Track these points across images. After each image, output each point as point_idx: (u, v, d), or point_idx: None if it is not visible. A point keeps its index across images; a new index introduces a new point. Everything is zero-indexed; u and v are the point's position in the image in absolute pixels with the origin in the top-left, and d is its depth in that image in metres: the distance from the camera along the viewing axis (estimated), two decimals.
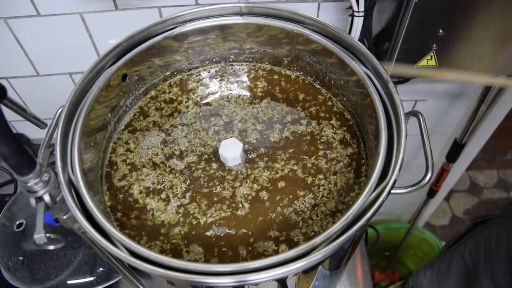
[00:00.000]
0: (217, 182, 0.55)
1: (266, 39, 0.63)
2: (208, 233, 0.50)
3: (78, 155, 0.47)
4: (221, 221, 0.51)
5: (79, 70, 0.92)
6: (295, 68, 0.66)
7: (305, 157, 0.57)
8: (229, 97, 0.65)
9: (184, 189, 0.54)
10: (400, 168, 0.44)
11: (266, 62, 0.68)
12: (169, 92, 0.65)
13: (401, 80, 0.91)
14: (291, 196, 0.53)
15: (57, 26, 0.81)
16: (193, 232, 0.50)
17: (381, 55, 0.76)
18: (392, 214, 1.59)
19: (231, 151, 0.55)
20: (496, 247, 0.78)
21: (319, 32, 0.58)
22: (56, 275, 0.76)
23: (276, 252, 0.49)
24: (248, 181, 0.55)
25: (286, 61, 0.66)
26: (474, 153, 1.23)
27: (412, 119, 0.54)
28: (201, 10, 0.59)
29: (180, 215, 0.52)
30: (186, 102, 0.64)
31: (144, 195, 0.54)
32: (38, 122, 0.49)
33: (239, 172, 0.56)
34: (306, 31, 0.58)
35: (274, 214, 0.52)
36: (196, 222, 0.51)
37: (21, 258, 0.77)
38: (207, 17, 0.60)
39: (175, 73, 0.66)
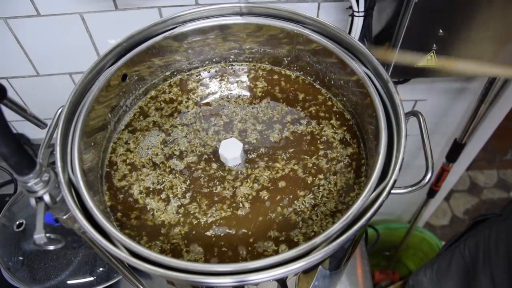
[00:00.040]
0: (217, 182, 0.55)
1: (266, 39, 0.63)
2: (208, 233, 0.50)
3: (78, 155, 0.47)
4: (221, 221, 0.51)
5: (79, 70, 0.92)
6: (295, 68, 0.66)
7: (305, 156, 0.57)
8: (229, 97, 0.65)
9: (184, 189, 0.54)
10: (400, 168, 0.44)
11: (266, 62, 0.68)
12: (169, 92, 0.65)
13: (401, 80, 0.91)
14: (291, 196, 0.53)
15: (57, 26, 0.81)
16: (193, 232, 0.50)
17: None
18: (392, 214, 1.59)
19: (231, 151, 0.55)
20: (496, 246, 0.78)
21: (319, 32, 0.58)
22: (56, 275, 0.76)
23: (276, 252, 0.49)
24: (248, 180, 0.55)
25: (286, 61, 0.66)
26: (474, 153, 1.23)
27: (412, 119, 0.54)
28: (201, 10, 0.59)
29: (180, 215, 0.52)
30: (186, 102, 0.64)
31: (144, 195, 0.54)
32: (38, 122, 0.49)
33: (239, 172, 0.56)
34: (306, 31, 0.58)
35: (274, 214, 0.52)
36: (196, 222, 0.51)
37: (21, 258, 0.77)
38: (207, 17, 0.60)
39: (175, 73, 0.66)
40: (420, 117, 0.52)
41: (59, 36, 0.84)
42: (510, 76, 0.71)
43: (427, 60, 0.73)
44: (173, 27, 0.59)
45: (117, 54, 0.56)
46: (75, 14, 0.79)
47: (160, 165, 0.57)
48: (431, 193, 1.26)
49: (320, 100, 0.64)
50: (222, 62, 0.68)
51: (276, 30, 0.60)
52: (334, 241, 0.39)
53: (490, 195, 2.09)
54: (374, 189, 0.43)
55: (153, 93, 0.65)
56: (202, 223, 0.51)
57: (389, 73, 0.68)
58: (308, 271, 0.46)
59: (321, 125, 0.60)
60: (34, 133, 1.10)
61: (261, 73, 0.68)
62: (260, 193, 0.53)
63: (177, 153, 0.58)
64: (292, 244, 0.49)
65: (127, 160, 0.57)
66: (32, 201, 0.37)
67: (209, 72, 0.68)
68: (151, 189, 0.54)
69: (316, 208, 0.52)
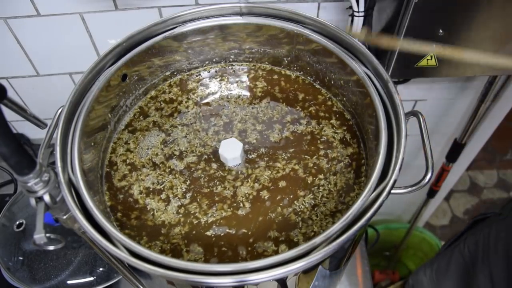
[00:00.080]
0: (217, 182, 0.55)
1: (266, 39, 0.63)
2: (208, 233, 0.50)
3: (78, 155, 0.47)
4: (221, 221, 0.51)
5: (79, 70, 0.92)
6: (295, 68, 0.66)
7: (306, 156, 0.57)
8: (229, 97, 0.65)
9: (184, 189, 0.54)
10: (400, 168, 0.44)
11: (266, 62, 0.68)
12: (169, 92, 0.65)
13: (401, 80, 0.91)
14: (291, 196, 0.53)
15: (57, 26, 0.81)
16: (194, 232, 0.50)
17: (381, 55, 0.76)
18: (392, 214, 1.59)
19: (231, 151, 0.55)
20: (495, 245, 0.78)
21: (319, 32, 0.58)
22: (56, 275, 0.76)
23: (276, 253, 0.49)
24: (249, 180, 0.55)
25: (286, 61, 0.66)
26: (474, 153, 1.23)
27: (412, 119, 0.54)
28: (201, 10, 0.59)
29: (180, 215, 0.52)
30: (186, 102, 0.64)
31: (144, 195, 0.54)
32: (38, 122, 0.49)
33: (239, 172, 0.56)
34: (306, 31, 0.58)
35: (274, 214, 0.52)
36: (196, 221, 0.51)
37: (21, 258, 0.77)
38: (207, 17, 0.60)
39: (175, 73, 0.66)
40: (420, 117, 0.52)
41: (59, 36, 0.84)
42: None
43: (427, 60, 0.73)
44: (173, 27, 0.59)
45: (117, 54, 0.56)
46: (75, 14, 0.79)
47: (160, 165, 0.57)
48: (431, 193, 1.26)
49: (320, 100, 0.64)
50: (222, 62, 0.68)
51: (276, 30, 0.60)
52: (334, 241, 0.39)
53: (490, 195, 2.09)
54: (374, 189, 0.43)
55: (153, 93, 0.65)
56: (203, 223, 0.51)
57: (389, 73, 0.68)
58: (308, 271, 0.46)
59: (321, 125, 0.60)
60: (34, 133, 1.10)
61: (261, 73, 0.68)
62: (261, 192, 0.53)
63: (177, 153, 0.58)
64: (292, 244, 0.49)
65: (127, 160, 0.57)
66: (32, 201, 0.37)
67: (209, 72, 0.68)
68: (151, 189, 0.54)
69: (316, 208, 0.52)
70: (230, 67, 0.68)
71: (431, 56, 0.72)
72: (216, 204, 0.53)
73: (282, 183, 0.54)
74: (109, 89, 0.55)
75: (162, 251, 0.49)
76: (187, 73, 0.67)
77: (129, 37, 0.56)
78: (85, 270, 0.77)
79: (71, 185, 0.44)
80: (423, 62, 0.74)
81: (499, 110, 1.04)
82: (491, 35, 0.69)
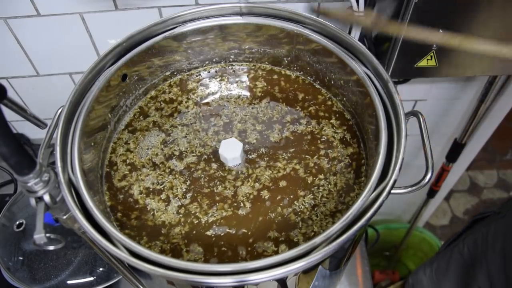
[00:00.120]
0: (217, 182, 0.55)
1: (266, 39, 0.63)
2: (208, 233, 0.50)
3: (78, 155, 0.47)
4: (221, 221, 0.51)
5: (79, 70, 0.92)
6: (295, 68, 0.66)
7: (307, 156, 0.57)
8: (229, 97, 0.65)
9: (184, 189, 0.54)
10: (400, 168, 0.44)
11: (266, 62, 0.68)
12: (169, 92, 0.65)
13: (401, 80, 0.91)
14: (291, 196, 0.53)
15: (57, 26, 0.81)
16: (194, 232, 0.50)
17: (381, 55, 0.76)
18: (392, 214, 1.59)
19: (231, 151, 0.55)
20: (493, 244, 0.78)
21: (319, 32, 0.58)
22: (56, 275, 0.76)
23: (276, 253, 0.49)
24: (250, 180, 0.55)
25: (286, 61, 0.66)
26: (474, 153, 1.23)
27: (412, 119, 0.54)
28: (201, 10, 0.59)
29: (180, 215, 0.52)
30: (186, 102, 0.64)
31: (144, 195, 0.54)
32: (38, 122, 0.49)
33: (239, 172, 0.56)
34: (306, 31, 0.58)
35: (274, 214, 0.52)
36: (197, 221, 0.51)
37: (21, 258, 0.77)
38: (207, 17, 0.60)
39: (175, 73, 0.66)
40: (420, 117, 0.52)
41: (59, 36, 0.83)
42: None
43: (427, 60, 0.73)
44: (173, 27, 0.59)
45: (117, 54, 0.56)
46: (75, 14, 0.79)
47: (160, 165, 0.57)
48: (431, 193, 1.26)
49: (320, 100, 0.64)
50: (222, 62, 0.68)
51: (276, 30, 0.60)
52: (334, 241, 0.39)
53: (490, 195, 2.09)
54: (374, 189, 0.43)
55: (153, 93, 0.65)
56: (203, 222, 0.51)
57: (389, 73, 0.68)
58: (308, 271, 0.46)
59: (321, 125, 0.60)
60: (34, 133, 1.10)
61: (260, 73, 0.68)
62: (261, 192, 0.53)
63: (177, 153, 0.58)
64: (292, 244, 0.49)
65: (127, 160, 0.57)
66: (32, 201, 0.37)
67: (209, 72, 0.68)
68: (151, 189, 0.54)
69: (316, 209, 0.52)
70: (230, 67, 0.68)
71: (431, 56, 0.72)
72: (217, 204, 0.53)
73: (283, 183, 0.54)
74: (109, 89, 0.55)
75: (162, 251, 0.49)
76: (187, 73, 0.67)
77: (129, 37, 0.56)
78: (85, 270, 0.77)
79: (71, 185, 0.44)
80: (423, 62, 0.73)
81: (499, 110, 1.04)
82: (491, 35, 0.69)
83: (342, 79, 0.59)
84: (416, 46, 0.71)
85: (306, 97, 0.64)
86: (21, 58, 0.87)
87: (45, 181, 0.36)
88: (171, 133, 0.60)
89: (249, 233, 0.50)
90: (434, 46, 0.71)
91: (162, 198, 0.54)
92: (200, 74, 0.67)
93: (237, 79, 0.67)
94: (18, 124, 1.08)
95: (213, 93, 0.66)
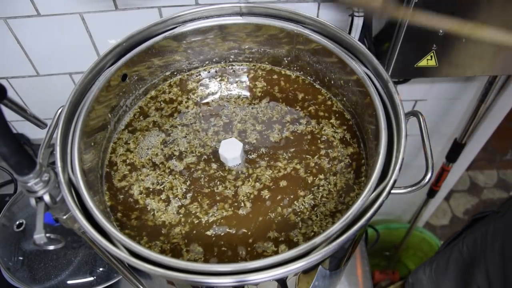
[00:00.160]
0: (218, 182, 0.55)
1: (266, 39, 0.63)
2: (208, 233, 0.50)
3: (78, 155, 0.47)
4: (222, 220, 0.51)
5: (79, 70, 0.92)
6: (295, 68, 0.66)
7: (307, 156, 0.57)
8: (229, 97, 0.65)
9: (184, 190, 0.54)
10: (400, 168, 0.44)
11: (266, 62, 0.68)
12: (169, 92, 0.65)
13: (401, 80, 0.91)
14: (292, 196, 0.53)
15: (57, 26, 0.81)
16: (194, 232, 0.50)
17: (381, 55, 0.76)
18: (392, 214, 1.59)
19: (231, 151, 0.55)
20: (491, 243, 0.78)
21: (319, 32, 0.58)
22: (56, 275, 0.76)
23: (276, 253, 0.49)
24: (250, 179, 0.55)
25: (286, 61, 0.66)
26: (474, 153, 1.23)
27: (412, 119, 0.54)
28: (201, 10, 0.59)
29: (181, 215, 0.52)
30: (186, 102, 0.64)
31: (144, 195, 0.54)
32: (38, 122, 0.49)
33: (239, 172, 0.56)
34: (306, 31, 0.58)
35: (274, 214, 0.52)
36: (197, 221, 0.51)
37: (21, 258, 0.77)
38: (207, 17, 0.60)
39: (175, 73, 0.66)
40: (420, 117, 0.52)
41: (59, 36, 0.83)
42: None
43: (427, 60, 0.73)
44: (173, 27, 0.59)
45: (117, 54, 0.56)
46: (75, 14, 0.79)
47: (160, 165, 0.57)
48: (431, 193, 1.26)
49: (320, 100, 0.64)
50: (222, 62, 0.68)
51: (276, 30, 0.60)
52: (334, 241, 0.39)
53: (490, 195, 2.09)
54: (374, 189, 0.43)
55: (153, 93, 0.65)
56: (203, 222, 0.51)
57: (389, 73, 0.68)
58: (308, 271, 0.46)
59: (321, 124, 0.60)
60: (34, 133, 1.10)
61: (260, 73, 0.68)
62: (262, 192, 0.53)
63: (176, 153, 0.58)
64: (291, 244, 0.49)
65: (127, 160, 0.57)
66: (32, 201, 0.37)
67: (209, 72, 0.68)
68: (151, 189, 0.54)
69: (315, 209, 0.52)
70: (230, 67, 0.68)
71: (431, 56, 0.72)
72: (218, 204, 0.53)
73: (283, 183, 0.54)
74: (109, 89, 0.55)
75: (162, 251, 0.49)
76: (187, 73, 0.67)
77: (129, 37, 0.56)
78: (85, 270, 0.77)
79: (71, 185, 0.44)
80: (423, 62, 0.74)
81: (499, 110, 1.04)
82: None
83: (342, 79, 0.59)
84: (416, 46, 0.71)
85: (306, 97, 0.64)
86: (21, 58, 0.87)
87: (45, 181, 0.36)
88: (171, 133, 0.60)
89: (249, 233, 0.50)
90: (434, 46, 0.71)
91: (162, 198, 0.54)
92: (200, 74, 0.67)
93: (237, 79, 0.67)
94: (18, 124, 1.08)
95: (213, 93, 0.66)
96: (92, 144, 0.53)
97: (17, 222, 0.80)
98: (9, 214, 0.83)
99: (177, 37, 0.60)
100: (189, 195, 0.54)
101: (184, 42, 0.61)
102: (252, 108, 0.63)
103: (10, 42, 0.84)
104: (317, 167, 0.56)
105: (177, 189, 0.54)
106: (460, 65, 0.75)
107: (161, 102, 0.64)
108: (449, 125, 1.14)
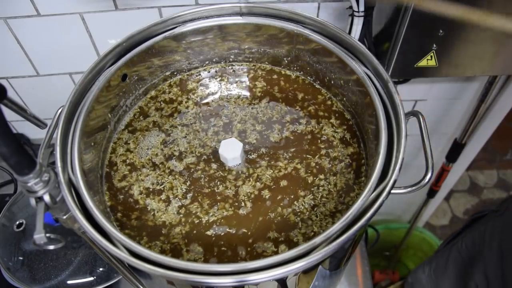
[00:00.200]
0: (218, 182, 0.55)
1: (266, 38, 0.63)
2: (208, 233, 0.50)
3: (78, 155, 0.47)
4: (222, 220, 0.51)
5: (79, 70, 0.92)
6: (295, 68, 0.66)
7: (308, 156, 0.57)
8: (229, 97, 0.65)
9: (184, 190, 0.54)
10: (400, 168, 0.44)
11: (266, 62, 0.68)
12: (169, 92, 0.65)
13: (401, 80, 0.91)
14: (292, 196, 0.53)
15: (57, 26, 0.81)
16: (194, 231, 0.50)
17: (381, 55, 0.76)
18: (392, 214, 1.59)
19: (231, 151, 0.55)
20: (490, 242, 0.78)
21: (319, 32, 0.58)
22: (56, 275, 0.76)
23: (276, 253, 0.49)
24: (251, 179, 0.55)
25: (286, 61, 0.66)
26: (474, 153, 1.23)
27: (412, 119, 0.54)
28: (201, 10, 0.59)
29: (181, 215, 0.52)
30: (186, 102, 0.64)
31: (144, 196, 0.54)
32: (38, 122, 0.49)
33: (239, 172, 0.56)
34: (306, 31, 0.58)
35: (273, 214, 0.52)
36: (198, 221, 0.51)
37: (21, 258, 0.77)
38: (207, 17, 0.60)
39: (175, 73, 0.66)
40: (420, 117, 0.52)
41: (59, 36, 0.84)
42: None
43: (427, 60, 0.73)
44: (173, 27, 0.59)
45: (117, 54, 0.56)
46: (75, 14, 0.79)
47: (160, 165, 0.57)
48: (431, 193, 1.26)
49: (320, 100, 0.64)
50: (222, 62, 0.68)
51: (276, 30, 0.60)
52: (334, 241, 0.39)
53: (490, 195, 2.09)
54: (374, 189, 0.43)
55: (153, 93, 0.65)
56: (204, 222, 0.51)
57: (389, 73, 0.68)
58: (308, 271, 0.46)
59: (321, 124, 0.60)
60: (34, 133, 1.10)
61: (260, 73, 0.68)
62: (262, 192, 0.54)
63: (176, 153, 0.58)
64: (291, 244, 0.49)
65: (127, 160, 0.57)
66: (32, 201, 0.37)
67: (209, 72, 0.68)
68: (151, 189, 0.54)
69: (315, 209, 0.52)
70: (230, 67, 0.68)
71: (431, 56, 0.72)
72: (218, 203, 0.53)
73: (284, 182, 0.54)
74: (109, 89, 0.55)
75: (162, 251, 0.49)
76: (187, 73, 0.67)
77: (129, 37, 0.56)
78: (85, 270, 0.77)
79: (71, 185, 0.44)
80: (423, 62, 0.74)
81: (499, 110, 1.04)
82: (491, 35, 0.69)
83: (342, 79, 0.59)
84: (416, 46, 0.71)
85: (306, 97, 0.64)
86: (21, 58, 0.87)
87: (45, 181, 0.36)
88: (171, 133, 0.60)
89: (249, 233, 0.50)
90: (434, 46, 0.71)
91: (162, 198, 0.54)
92: (200, 74, 0.67)
93: (237, 79, 0.67)
94: (18, 124, 1.08)
95: (213, 93, 0.66)
96: (92, 144, 0.53)
97: (17, 222, 0.81)
98: (9, 214, 0.83)
99: (177, 37, 0.60)
100: (189, 195, 0.54)
101: (184, 42, 0.61)
102: (252, 108, 0.63)
103: (10, 42, 0.84)
104: (317, 167, 0.56)
105: (177, 189, 0.54)
106: (460, 65, 0.75)
107: (161, 102, 0.64)
108: (449, 125, 1.15)
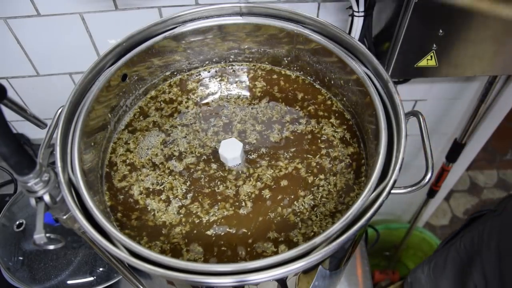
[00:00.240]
0: (218, 182, 0.55)
1: (266, 38, 0.63)
2: (208, 232, 0.50)
3: (78, 155, 0.47)
4: (222, 220, 0.51)
5: (79, 70, 0.92)
6: (295, 68, 0.66)
7: (308, 155, 0.57)
8: (229, 97, 0.65)
9: (184, 190, 0.54)
10: (400, 168, 0.44)
11: (266, 62, 0.68)
12: (169, 92, 0.65)
13: (401, 80, 0.91)
14: (292, 196, 0.53)
15: (57, 26, 0.81)
16: (195, 231, 0.50)
17: (381, 55, 0.76)
18: (392, 214, 1.59)
19: (231, 151, 0.55)
20: (488, 242, 0.78)
21: (319, 32, 0.58)
22: (56, 275, 0.76)
23: (275, 253, 0.49)
24: (251, 179, 0.55)
25: (286, 61, 0.66)
26: (474, 153, 1.23)
27: (412, 119, 0.54)
28: (201, 10, 0.59)
29: (181, 215, 0.52)
30: (186, 102, 0.64)
31: (145, 196, 0.54)
32: (38, 122, 0.49)
33: (240, 172, 0.56)
34: (306, 31, 0.58)
35: (273, 214, 0.52)
36: (198, 221, 0.51)
37: (21, 258, 0.77)
38: (207, 17, 0.60)
39: (175, 73, 0.66)
40: (420, 117, 0.52)
41: (59, 36, 0.84)
42: None
43: (427, 60, 0.73)
44: (173, 27, 0.59)
45: (117, 54, 0.56)
46: (75, 14, 0.79)
47: (160, 165, 0.57)
48: (431, 193, 1.26)
49: (320, 100, 0.64)
50: (222, 62, 0.68)
51: (276, 30, 0.60)
52: (334, 241, 0.39)
53: (490, 195, 2.09)
54: (374, 189, 0.43)
55: (153, 93, 0.65)
56: (204, 222, 0.51)
57: (389, 73, 0.68)
58: (308, 271, 0.46)
59: (321, 124, 0.60)
60: (34, 133, 1.10)
61: (260, 73, 0.68)
62: (263, 191, 0.54)
63: (176, 154, 0.58)
64: (291, 244, 0.49)
65: (127, 160, 0.57)
66: (32, 201, 0.37)
67: (209, 72, 0.68)
68: (151, 189, 0.54)
69: (315, 209, 0.52)
70: (230, 67, 0.68)
71: (431, 56, 0.72)
72: (219, 203, 0.53)
73: (284, 182, 0.54)
74: (109, 89, 0.55)
75: (162, 251, 0.49)
76: (187, 73, 0.67)
77: (129, 37, 0.56)
78: (85, 270, 0.77)
79: (71, 185, 0.44)
80: (423, 62, 0.74)
81: (499, 110, 1.04)
82: (491, 35, 0.69)
83: (342, 79, 0.59)
84: (416, 46, 0.71)
85: (306, 97, 0.64)
86: (21, 58, 0.87)
87: (45, 181, 0.36)
88: (171, 133, 0.60)
89: (249, 233, 0.50)
90: (434, 46, 0.71)
91: (163, 198, 0.54)
92: (200, 74, 0.67)
93: (236, 79, 0.67)
94: (18, 124, 1.08)
95: (213, 93, 0.66)
96: (92, 144, 0.53)
97: (17, 222, 0.81)
98: (9, 214, 0.83)
99: (177, 37, 0.60)
100: (189, 195, 0.54)
101: (184, 42, 0.61)
102: (252, 108, 0.63)
103: (10, 42, 0.84)
104: (318, 166, 0.56)
105: (177, 189, 0.54)
106: (460, 65, 0.75)
107: (161, 102, 0.64)
108: (449, 125, 1.14)
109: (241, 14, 0.60)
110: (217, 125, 0.61)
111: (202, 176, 0.55)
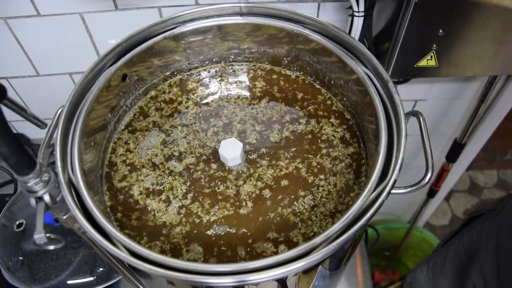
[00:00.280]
0: (218, 182, 0.55)
1: (266, 38, 0.63)
2: (208, 232, 0.50)
3: (78, 155, 0.47)
4: (222, 220, 0.51)
5: (79, 70, 0.92)
6: (295, 68, 0.66)
7: (309, 155, 0.57)
8: (229, 97, 0.65)
9: (184, 190, 0.54)
10: (400, 168, 0.44)
11: (266, 62, 0.68)
12: (169, 92, 0.65)
13: (401, 80, 0.91)
14: (292, 196, 0.53)
15: (57, 26, 0.81)
16: (195, 231, 0.50)
17: (381, 55, 0.76)
18: (392, 214, 1.59)
19: (231, 151, 0.55)
20: (486, 241, 0.78)
21: (319, 32, 0.58)
22: (56, 275, 0.76)
23: (275, 253, 0.49)
24: (252, 179, 0.55)
25: (286, 61, 0.66)
26: (474, 153, 1.23)
27: (412, 119, 0.54)
28: (201, 10, 0.59)
29: (181, 215, 0.52)
30: (186, 102, 0.64)
31: (145, 196, 0.54)
32: (38, 122, 0.49)
33: (240, 172, 0.56)
34: (306, 31, 0.58)
35: (273, 214, 0.52)
36: (198, 220, 0.51)
37: (21, 258, 0.77)
38: (207, 17, 0.60)
39: (175, 73, 0.66)
40: (420, 117, 0.52)
41: (59, 36, 0.84)
42: None
43: (427, 60, 0.73)
44: (173, 27, 0.59)
45: (117, 54, 0.56)
46: (75, 14, 0.79)
47: (160, 166, 0.57)
48: (431, 193, 1.26)
49: (320, 100, 0.64)
50: (222, 62, 0.68)
51: (276, 30, 0.60)
52: (334, 241, 0.39)
53: (490, 195, 2.09)
54: (374, 189, 0.43)
55: (153, 93, 0.65)
56: (204, 221, 0.51)
57: (389, 73, 0.68)
58: (308, 271, 0.46)
59: (321, 124, 0.60)
60: (34, 133, 1.10)
61: (260, 73, 0.68)
62: (263, 191, 0.54)
63: (176, 154, 0.58)
64: (291, 245, 0.49)
65: (127, 160, 0.57)
66: (32, 201, 0.37)
67: (209, 72, 0.68)
68: (151, 190, 0.54)
69: (315, 209, 0.52)
70: (230, 67, 0.68)
71: (431, 56, 0.72)
72: (219, 203, 0.53)
73: (285, 182, 0.54)
74: (109, 89, 0.55)
75: (162, 251, 0.49)
76: (187, 73, 0.67)
77: (129, 37, 0.56)
78: (85, 270, 0.77)
79: (71, 185, 0.44)
80: (423, 62, 0.74)
81: (499, 110, 1.04)
82: (491, 35, 0.69)
83: (342, 79, 0.59)
84: (416, 46, 0.71)
85: (306, 97, 0.64)
86: (21, 58, 0.87)
87: (45, 181, 0.36)
88: (171, 134, 0.60)
89: (249, 233, 0.50)
90: (434, 46, 0.71)
91: (163, 198, 0.54)
92: (200, 74, 0.67)
93: (236, 79, 0.67)
94: (18, 124, 1.08)
95: (212, 93, 0.66)
96: (92, 144, 0.53)
97: (17, 222, 0.81)
98: (9, 214, 0.83)
99: (177, 37, 0.60)
100: (189, 195, 0.54)
101: (184, 42, 0.61)
102: (251, 108, 0.63)
103: (10, 42, 0.84)
104: (318, 166, 0.56)
105: (177, 189, 0.54)
106: (460, 65, 0.75)
107: (161, 102, 0.64)
108: (449, 125, 1.15)
109: (241, 14, 0.60)
110: (217, 125, 0.61)
111: (202, 176, 0.55)
